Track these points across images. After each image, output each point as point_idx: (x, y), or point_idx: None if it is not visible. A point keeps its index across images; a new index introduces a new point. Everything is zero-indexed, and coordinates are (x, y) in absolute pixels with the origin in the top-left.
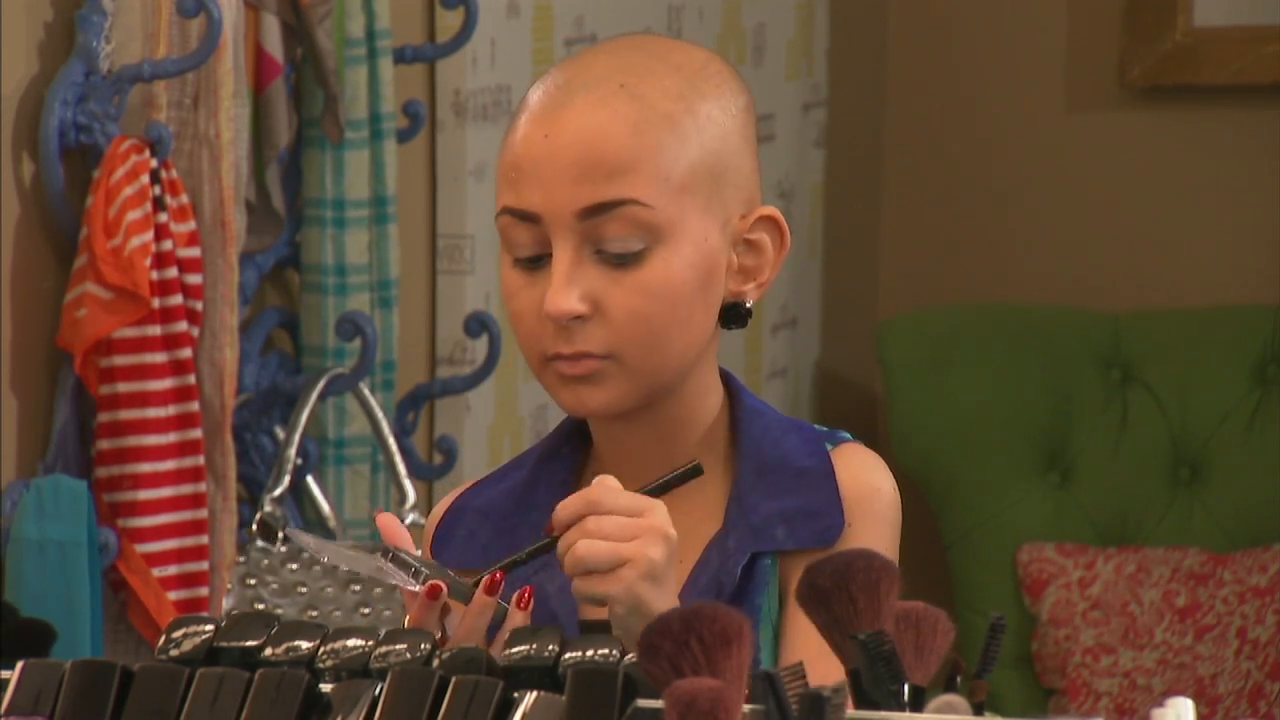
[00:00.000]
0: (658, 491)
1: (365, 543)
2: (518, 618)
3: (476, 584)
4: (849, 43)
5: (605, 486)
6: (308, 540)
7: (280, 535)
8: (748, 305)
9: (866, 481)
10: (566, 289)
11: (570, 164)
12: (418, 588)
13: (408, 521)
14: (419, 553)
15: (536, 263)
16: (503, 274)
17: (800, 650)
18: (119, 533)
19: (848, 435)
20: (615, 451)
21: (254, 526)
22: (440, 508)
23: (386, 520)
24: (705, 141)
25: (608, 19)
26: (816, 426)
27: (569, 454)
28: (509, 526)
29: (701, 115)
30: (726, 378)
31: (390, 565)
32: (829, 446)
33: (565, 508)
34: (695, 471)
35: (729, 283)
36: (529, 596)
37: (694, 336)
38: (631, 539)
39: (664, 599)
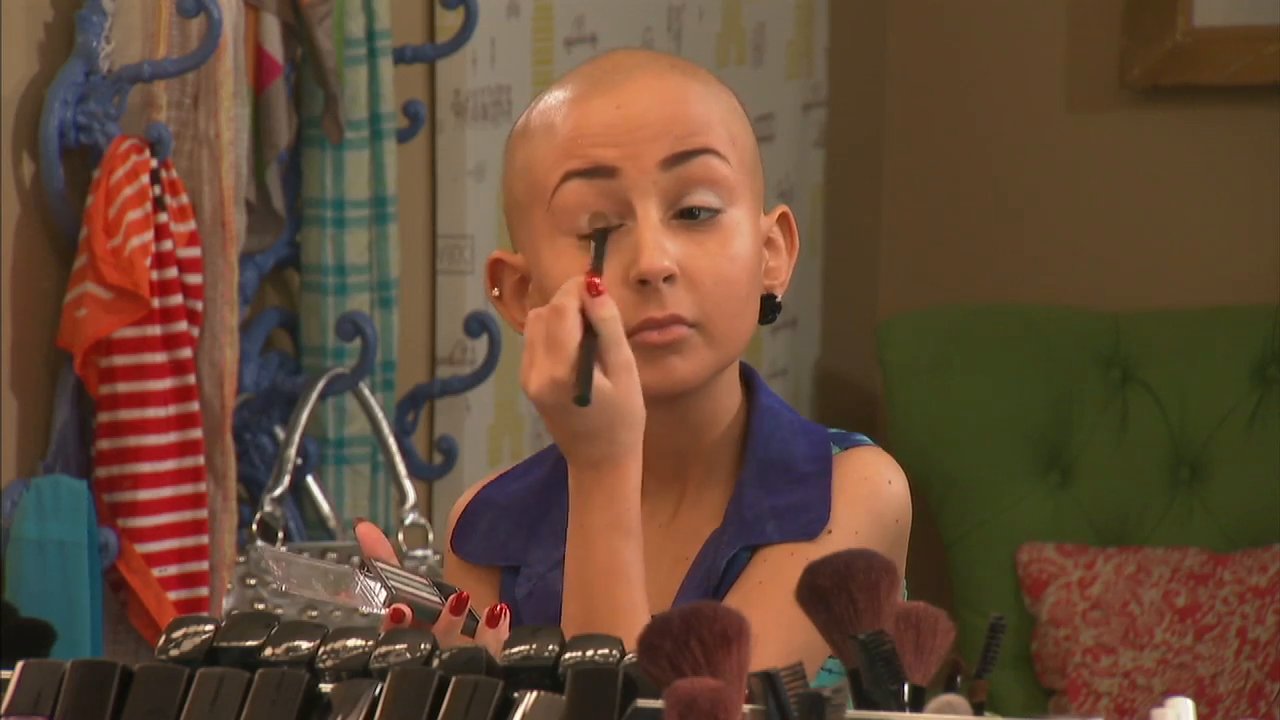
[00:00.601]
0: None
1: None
2: (488, 635)
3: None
4: (849, 43)
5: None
6: (275, 565)
7: (280, 535)
8: (778, 299)
9: (865, 477)
10: (663, 245)
11: (651, 122)
12: (380, 611)
13: (408, 521)
14: (397, 563)
15: (600, 241)
16: (557, 261)
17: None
18: (119, 533)
19: (866, 439)
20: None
21: (254, 526)
22: (464, 500)
23: (366, 530)
24: (747, 128)
25: (608, 19)
26: (835, 430)
27: None
28: (528, 522)
29: (739, 107)
30: (748, 374)
31: (361, 585)
32: (839, 449)
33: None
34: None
35: (763, 278)
36: (500, 614)
37: (754, 316)
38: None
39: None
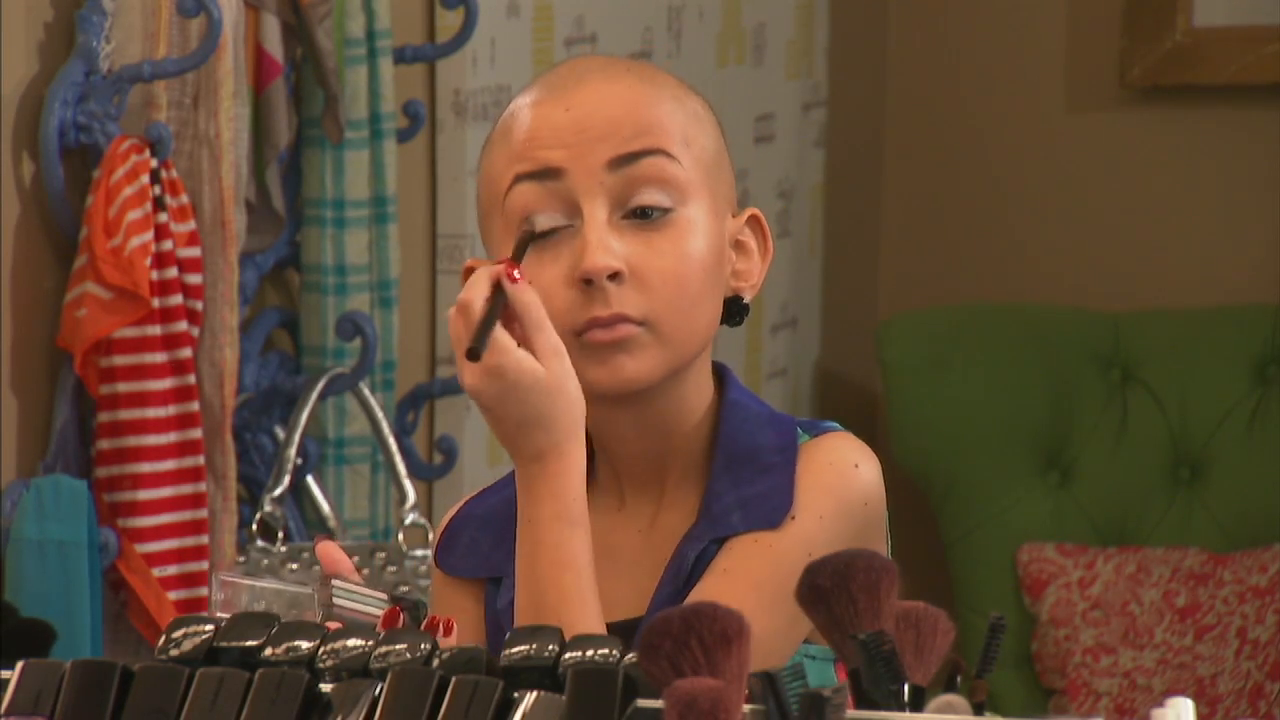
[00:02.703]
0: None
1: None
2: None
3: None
4: (849, 43)
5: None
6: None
7: (280, 535)
8: (745, 301)
9: (830, 462)
10: (606, 244)
11: (597, 124)
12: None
13: (408, 521)
14: (358, 580)
15: (549, 236)
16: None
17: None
18: (119, 533)
19: (835, 425)
20: (611, 447)
21: (254, 526)
22: (449, 515)
23: (325, 549)
24: (707, 129)
25: (608, 19)
26: (804, 419)
27: None
28: (510, 533)
29: (702, 111)
30: (720, 371)
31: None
32: (808, 436)
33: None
34: (527, 236)
35: (729, 280)
36: (437, 624)
37: (712, 314)
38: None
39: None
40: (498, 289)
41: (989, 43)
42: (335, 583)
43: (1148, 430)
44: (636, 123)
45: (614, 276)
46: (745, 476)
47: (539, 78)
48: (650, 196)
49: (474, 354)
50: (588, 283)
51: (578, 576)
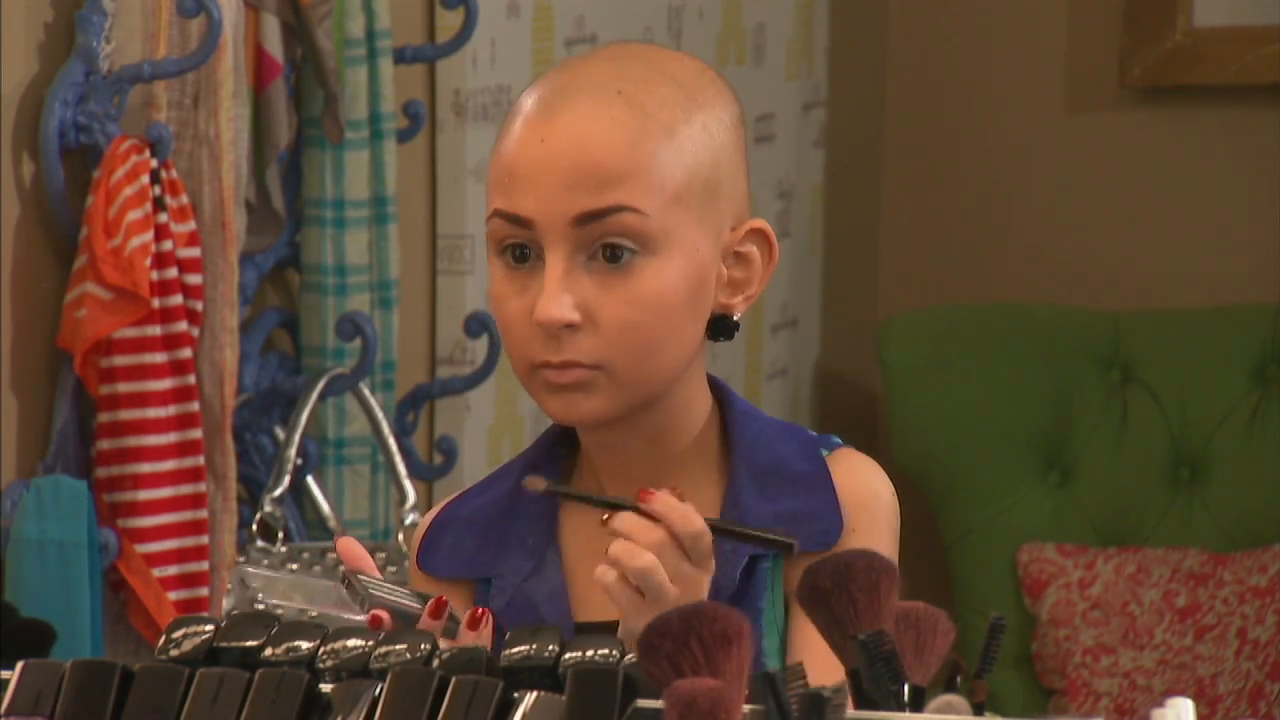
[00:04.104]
0: (738, 537)
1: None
2: (468, 639)
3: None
4: (849, 43)
5: (694, 528)
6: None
7: (280, 535)
8: (735, 318)
9: (867, 487)
10: (559, 297)
11: (565, 171)
12: (362, 617)
13: (408, 522)
14: (379, 575)
15: (525, 261)
16: (492, 279)
17: (805, 654)
18: (119, 533)
19: (839, 440)
20: (603, 458)
21: (254, 526)
22: (428, 518)
23: (346, 545)
24: (700, 153)
25: (608, 19)
26: (807, 431)
27: (554, 462)
28: (495, 535)
29: (697, 126)
30: (715, 384)
31: (341, 598)
32: (824, 452)
33: (666, 507)
34: (787, 546)
35: (718, 295)
36: (482, 616)
37: (683, 348)
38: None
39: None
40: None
41: (989, 43)
42: (361, 578)
43: (1148, 430)
44: (606, 173)
45: (569, 325)
46: (775, 488)
47: (546, 76)
48: (617, 241)
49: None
50: None
51: None
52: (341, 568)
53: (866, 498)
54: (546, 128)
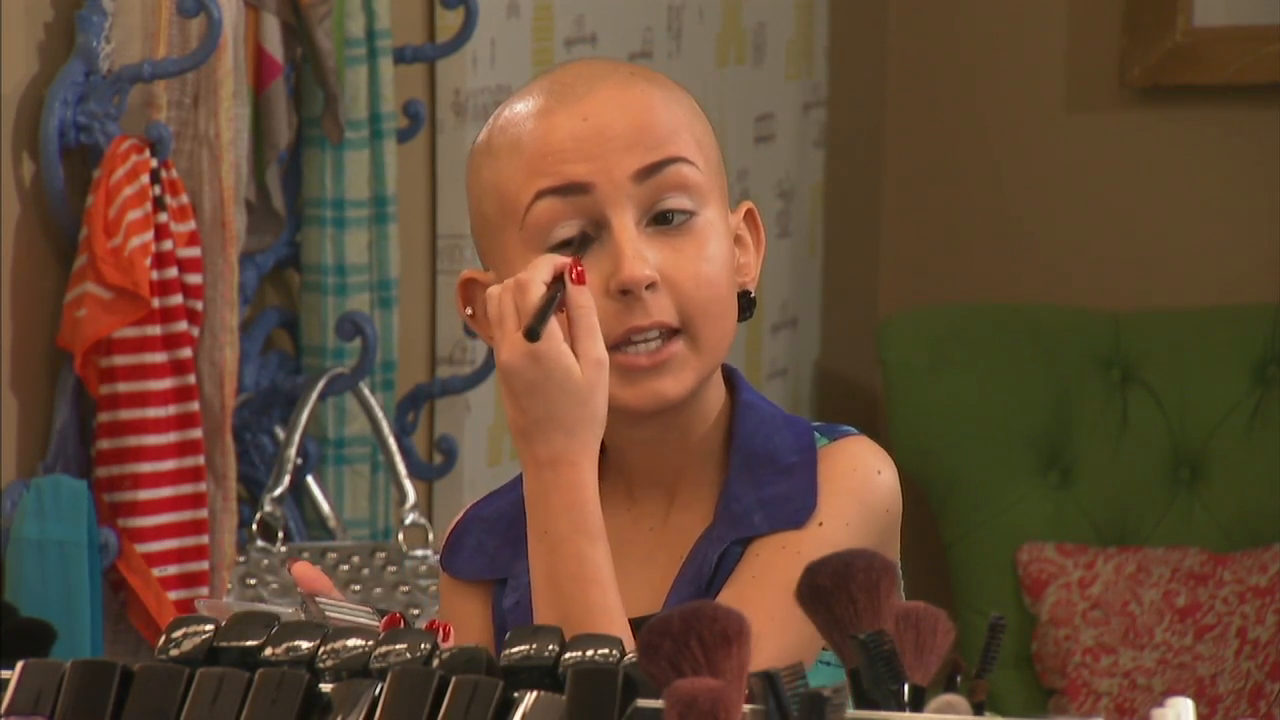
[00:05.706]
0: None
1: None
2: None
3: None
4: (849, 43)
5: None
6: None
7: (280, 535)
8: (751, 294)
9: (854, 468)
10: (640, 256)
11: (619, 134)
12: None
13: (408, 521)
14: (338, 594)
15: (584, 248)
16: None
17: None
18: (119, 533)
19: (852, 430)
20: (636, 453)
21: (254, 526)
22: (456, 520)
23: (301, 569)
24: (709, 130)
25: (608, 19)
26: (820, 423)
27: None
28: (516, 536)
29: (698, 110)
30: (729, 372)
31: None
32: (826, 440)
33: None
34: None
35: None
36: (445, 632)
37: (735, 316)
38: None
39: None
40: (558, 281)
41: (989, 43)
42: (320, 600)
43: (1148, 430)
44: (656, 129)
45: (650, 286)
46: (764, 477)
47: (536, 84)
48: (675, 201)
49: (533, 334)
50: (624, 293)
51: (604, 592)
52: (298, 590)
53: (857, 484)
54: (585, 107)
